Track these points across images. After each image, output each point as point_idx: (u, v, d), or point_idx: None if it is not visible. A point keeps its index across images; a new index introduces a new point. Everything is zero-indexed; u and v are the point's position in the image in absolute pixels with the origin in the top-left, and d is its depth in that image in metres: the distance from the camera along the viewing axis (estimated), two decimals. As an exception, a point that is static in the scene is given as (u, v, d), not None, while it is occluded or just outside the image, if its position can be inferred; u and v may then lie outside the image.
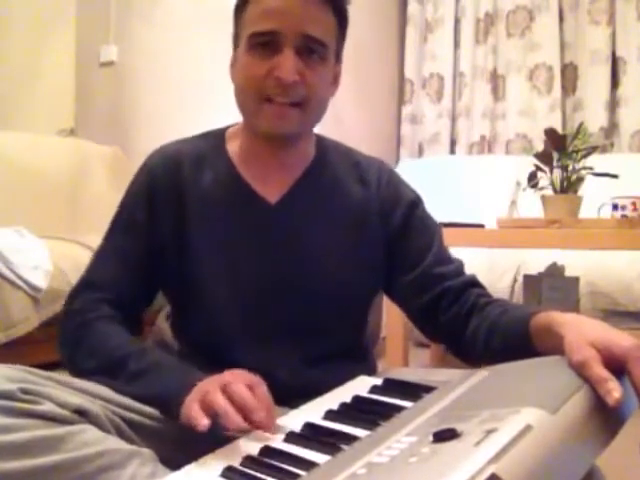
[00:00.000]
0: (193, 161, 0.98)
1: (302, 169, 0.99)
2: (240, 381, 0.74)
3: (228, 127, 1.04)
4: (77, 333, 0.92)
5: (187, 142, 1.02)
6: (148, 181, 0.98)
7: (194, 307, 0.97)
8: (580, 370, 0.64)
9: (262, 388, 0.75)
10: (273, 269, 0.95)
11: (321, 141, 1.04)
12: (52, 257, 2.34)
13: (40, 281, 2.26)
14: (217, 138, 1.02)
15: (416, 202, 1.04)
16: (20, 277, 2.21)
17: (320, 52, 0.89)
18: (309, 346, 0.95)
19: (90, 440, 0.70)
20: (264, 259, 0.95)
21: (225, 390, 0.73)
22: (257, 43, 0.88)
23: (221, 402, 0.71)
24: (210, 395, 0.73)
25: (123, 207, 1.00)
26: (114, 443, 0.72)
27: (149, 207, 0.97)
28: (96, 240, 2.52)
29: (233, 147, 1.00)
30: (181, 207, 0.96)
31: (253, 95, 0.90)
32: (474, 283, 1.00)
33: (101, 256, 0.99)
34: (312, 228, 0.97)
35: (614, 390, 0.60)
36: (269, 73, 0.87)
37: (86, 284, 0.97)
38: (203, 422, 0.70)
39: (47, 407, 0.70)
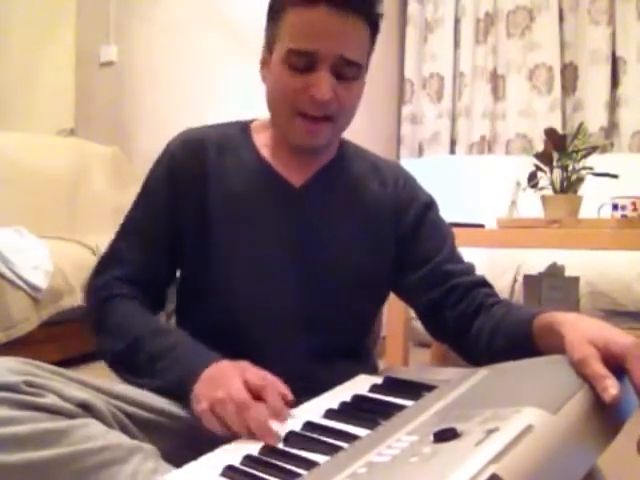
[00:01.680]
0: (217, 145, 1.00)
1: (325, 160, 1.02)
2: (244, 385, 0.75)
3: (251, 120, 1.06)
4: (98, 312, 0.95)
5: (211, 128, 1.04)
6: (170, 163, 0.99)
7: (210, 288, 0.97)
8: (579, 368, 0.64)
9: (269, 388, 0.75)
10: (292, 251, 0.96)
11: (343, 141, 1.07)
12: (52, 257, 2.34)
13: (40, 281, 2.26)
14: (242, 128, 1.04)
15: (430, 204, 1.06)
16: (20, 277, 2.21)
17: (354, 72, 0.91)
18: (315, 339, 0.95)
19: (93, 434, 0.70)
20: (285, 241, 0.96)
21: (234, 404, 0.73)
22: (294, 60, 0.88)
23: (238, 427, 0.72)
24: (220, 409, 0.74)
25: (145, 189, 1.02)
26: (116, 438, 0.72)
27: (171, 189, 0.98)
28: (96, 240, 2.52)
29: (258, 138, 1.02)
30: (203, 188, 0.97)
31: (286, 108, 0.91)
32: (483, 283, 1.01)
33: (123, 235, 1.01)
34: (333, 215, 0.99)
35: (611, 387, 0.60)
36: (304, 89, 0.88)
37: (108, 261, 1.00)
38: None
39: (51, 400, 0.70)
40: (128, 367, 0.89)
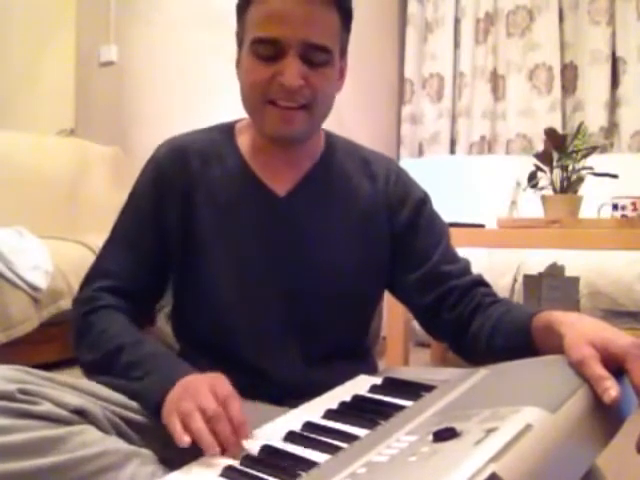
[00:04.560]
0: (202, 153, 0.98)
1: (311, 164, 0.99)
2: (213, 395, 0.73)
3: (237, 121, 1.03)
4: (80, 325, 0.93)
5: (196, 134, 1.02)
6: (155, 172, 0.98)
7: (197, 298, 0.96)
8: (578, 368, 0.64)
9: (235, 404, 0.73)
10: (278, 261, 0.95)
11: (330, 137, 1.04)
12: (52, 257, 2.34)
13: (40, 281, 2.26)
14: (226, 131, 1.02)
15: (424, 200, 1.03)
16: (20, 277, 2.21)
17: (324, 57, 0.88)
18: (311, 344, 0.95)
19: (90, 440, 0.70)
20: (270, 251, 0.95)
21: (202, 413, 0.71)
22: (260, 49, 0.87)
23: (199, 427, 0.70)
24: (188, 418, 0.71)
25: (131, 198, 1.00)
26: (114, 443, 0.72)
27: (156, 198, 0.97)
28: (96, 240, 2.52)
29: (242, 141, 1.00)
30: (188, 198, 0.96)
31: (257, 98, 0.89)
32: (480, 282, 1.00)
33: (110, 245, 1.00)
34: (320, 222, 0.97)
35: (611, 389, 0.60)
36: (273, 78, 0.86)
37: (95, 273, 0.98)
38: (185, 439, 0.70)
39: (46, 407, 0.70)
40: (105, 375, 0.86)
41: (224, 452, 0.69)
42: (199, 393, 0.74)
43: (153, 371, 0.82)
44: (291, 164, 0.98)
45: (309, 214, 0.97)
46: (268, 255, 0.95)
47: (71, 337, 0.94)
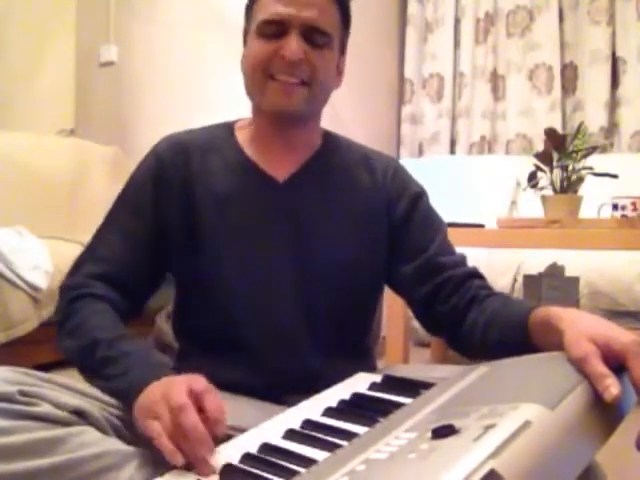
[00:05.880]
0: (202, 147, 1.00)
1: (310, 153, 1.01)
2: (187, 391, 0.70)
3: (237, 120, 1.06)
4: (65, 311, 0.92)
5: (196, 131, 1.04)
6: (155, 166, 0.99)
7: (200, 291, 0.96)
8: (579, 365, 0.64)
9: (210, 398, 0.70)
10: (282, 247, 0.95)
11: (329, 134, 1.06)
12: (52, 257, 2.34)
13: (40, 281, 2.26)
14: (226, 128, 1.04)
15: (420, 194, 1.05)
16: (20, 277, 2.21)
17: (324, 40, 0.93)
18: (313, 337, 0.95)
19: (89, 441, 0.70)
20: (272, 238, 0.95)
21: (175, 419, 0.68)
22: (265, 29, 0.92)
23: (164, 441, 0.67)
24: (160, 415, 0.69)
25: (127, 190, 1.01)
26: (112, 444, 0.72)
27: (155, 191, 0.97)
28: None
29: (242, 135, 1.02)
30: (189, 190, 0.96)
31: (259, 74, 0.93)
32: (475, 274, 1.00)
33: (103, 231, 0.99)
34: (319, 209, 0.98)
35: (612, 386, 0.60)
36: (275, 53, 0.91)
37: (86, 257, 0.98)
38: (178, 460, 0.66)
39: (45, 409, 0.70)
40: (81, 367, 0.86)
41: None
42: (172, 390, 0.70)
43: (128, 371, 0.79)
44: (290, 152, 1.00)
45: (309, 200, 0.98)
46: (271, 242, 0.95)
47: (57, 323, 0.94)
